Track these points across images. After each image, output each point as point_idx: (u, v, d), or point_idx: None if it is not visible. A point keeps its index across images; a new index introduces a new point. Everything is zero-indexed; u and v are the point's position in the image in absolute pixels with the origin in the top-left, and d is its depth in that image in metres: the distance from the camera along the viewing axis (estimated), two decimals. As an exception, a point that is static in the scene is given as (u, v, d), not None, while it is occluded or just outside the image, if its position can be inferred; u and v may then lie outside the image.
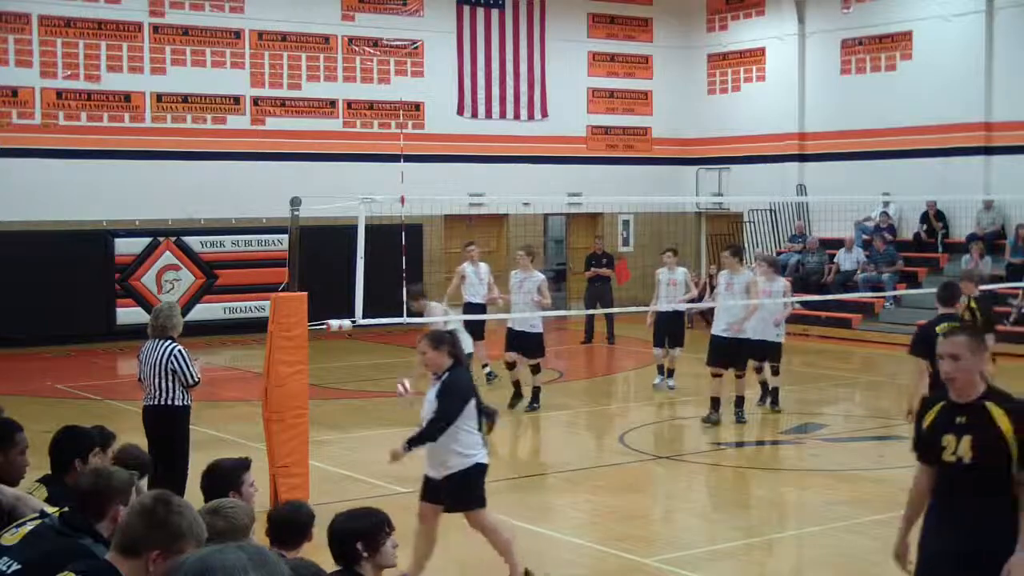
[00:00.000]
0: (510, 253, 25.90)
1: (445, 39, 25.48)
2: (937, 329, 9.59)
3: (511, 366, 15.36)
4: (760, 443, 13.64)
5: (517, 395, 15.29)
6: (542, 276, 15.48)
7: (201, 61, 22.96)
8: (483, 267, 17.63)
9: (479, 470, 7.99)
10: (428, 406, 7.94)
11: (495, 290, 17.30)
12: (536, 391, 15.29)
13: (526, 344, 15.21)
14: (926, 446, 5.55)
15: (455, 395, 7.85)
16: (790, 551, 9.86)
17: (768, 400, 15.06)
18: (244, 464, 5.96)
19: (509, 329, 15.42)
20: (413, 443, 7.90)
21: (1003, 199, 22.26)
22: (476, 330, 15.95)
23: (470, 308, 17.07)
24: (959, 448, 5.34)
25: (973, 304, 11.53)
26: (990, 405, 5.36)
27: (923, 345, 9.74)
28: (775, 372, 14.92)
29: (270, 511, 6.00)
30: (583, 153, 27.24)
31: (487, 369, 17.20)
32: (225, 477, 5.82)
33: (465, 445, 7.92)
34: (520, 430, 14.68)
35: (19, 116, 21.41)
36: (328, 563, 5.41)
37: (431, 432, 7.83)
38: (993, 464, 5.28)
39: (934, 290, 21.78)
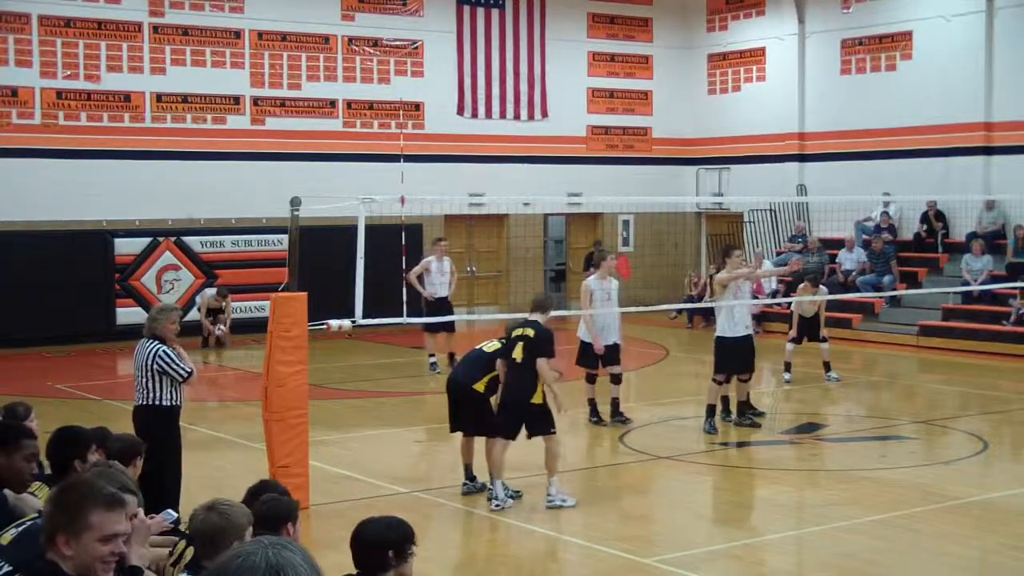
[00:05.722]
0: (510, 253, 25.95)
1: (445, 39, 25.47)
2: None
3: None
4: (760, 443, 13.63)
5: None
6: None
7: (201, 61, 22.95)
8: (447, 262, 18.69)
9: None
10: None
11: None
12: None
13: None
14: None
15: None
16: (790, 551, 9.86)
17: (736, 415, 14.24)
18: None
19: None
20: None
21: (1003, 199, 22.26)
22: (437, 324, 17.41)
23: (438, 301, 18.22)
24: None
25: None
26: None
27: None
28: (744, 379, 14.34)
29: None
30: (583, 153, 27.22)
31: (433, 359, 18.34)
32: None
33: None
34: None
35: (19, 116, 21.40)
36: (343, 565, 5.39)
37: None
38: None
39: (934, 290, 21.86)
